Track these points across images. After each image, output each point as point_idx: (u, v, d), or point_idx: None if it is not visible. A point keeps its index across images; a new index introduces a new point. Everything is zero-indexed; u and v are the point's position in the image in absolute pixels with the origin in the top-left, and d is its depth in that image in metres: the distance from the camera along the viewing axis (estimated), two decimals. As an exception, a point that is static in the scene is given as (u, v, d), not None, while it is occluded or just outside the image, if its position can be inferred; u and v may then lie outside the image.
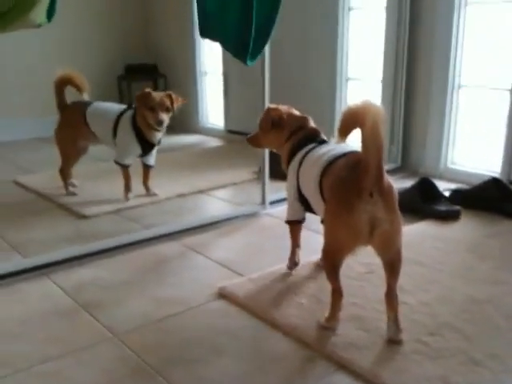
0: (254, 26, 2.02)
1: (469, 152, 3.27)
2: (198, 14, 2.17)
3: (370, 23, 3.64)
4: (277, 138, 2.04)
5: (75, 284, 2.05)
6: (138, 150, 2.93)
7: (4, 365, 1.57)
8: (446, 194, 2.80)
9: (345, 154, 1.71)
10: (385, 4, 3.42)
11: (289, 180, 2.02)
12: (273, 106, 2.07)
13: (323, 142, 1.97)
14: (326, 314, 1.70)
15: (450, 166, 3.30)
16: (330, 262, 1.66)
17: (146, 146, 2.94)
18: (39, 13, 0.95)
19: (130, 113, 2.92)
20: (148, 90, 2.86)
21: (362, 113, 1.47)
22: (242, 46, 2.06)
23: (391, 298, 1.63)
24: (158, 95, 2.84)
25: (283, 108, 2.05)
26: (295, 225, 2.09)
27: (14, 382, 1.50)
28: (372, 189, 1.50)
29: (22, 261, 2.23)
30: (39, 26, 1.01)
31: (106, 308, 1.87)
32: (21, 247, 2.38)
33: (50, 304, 1.91)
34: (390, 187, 1.55)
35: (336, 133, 1.57)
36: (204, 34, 2.19)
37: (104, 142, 3.04)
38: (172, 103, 2.85)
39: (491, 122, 3.20)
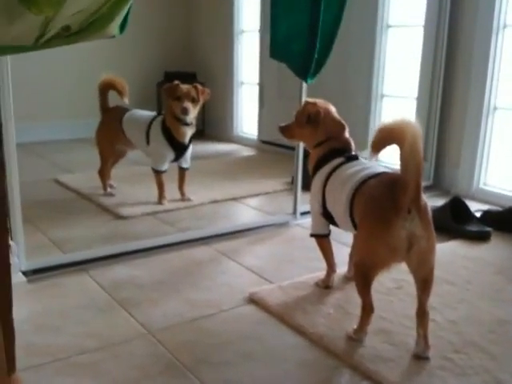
0: (316, 51, 2.26)
1: (502, 174, 3.27)
2: (271, 39, 2.41)
3: (408, 41, 3.67)
4: (310, 135, 2.02)
5: (112, 281, 2.14)
6: (170, 152, 3.01)
7: (44, 354, 1.65)
8: (478, 214, 2.81)
9: (378, 174, 1.74)
10: (423, 22, 3.46)
11: (313, 194, 2.02)
12: (311, 100, 2.06)
13: (352, 157, 1.96)
14: (355, 326, 1.74)
15: (482, 186, 3.30)
16: (364, 278, 1.67)
17: (178, 148, 3.02)
18: (116, 25, 1.03)
19: (160, 118, 3.02)
20: (176, 82, 2.95)
21: (400, 130, 1.50)
22: (304, 67, 2.30)
23: (422, 315, 1.65)
24: (184, 87, 2.93)
25: (321, 104, 2.02)
26: (321, 239, 2.09)
27: (53, 370, 1.58)
28: (410, 206, 1.54)
29: (62, 256, 2.33)
30: (113, 37, 1.09)
31: (141, 306, 1.95)
32: (61, 243, 2.48)
33: (88, 299, 1.99)
34: (426, 205, 1.59)
35: (370, 147, 1.61)
36: (273, 56, 2.44)
37: (139, 148, 3.15)
38: (198, 94, 2.94)
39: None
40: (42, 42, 0.95)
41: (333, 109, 2.04)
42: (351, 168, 1.88)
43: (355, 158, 1.96)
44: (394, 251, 1.57)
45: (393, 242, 1.55)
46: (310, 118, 2.00)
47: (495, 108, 3.25)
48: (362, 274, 1.68)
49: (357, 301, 1.96)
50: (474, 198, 3.25)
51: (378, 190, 1.66)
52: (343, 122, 2.03)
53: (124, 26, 1.23)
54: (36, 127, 4.55)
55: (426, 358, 1.63)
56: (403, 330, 1.79)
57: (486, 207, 2.98)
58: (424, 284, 1.64)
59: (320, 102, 2.04)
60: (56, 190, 3.37)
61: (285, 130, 2.13)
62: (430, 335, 1.67)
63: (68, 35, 0.96)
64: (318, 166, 1.99)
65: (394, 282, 2.11)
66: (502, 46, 3.16)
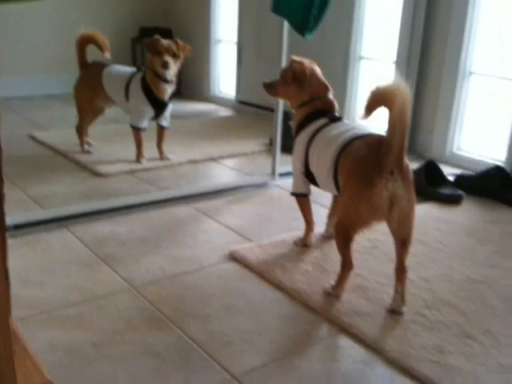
0: (314, 7, 2.32)
1: (475, 139, 3.35)
2: None
3: (388, 2, 3.67)
4: (295, 94, 2.03)
5: (94, 237, 2.15)
6: (149, 109, 2.98)
7: (30, 307, 1.68)
8: (451, 178, 2.90)
9: (362, 136, 1.78)
10: (403, -15, 3.46)
11: (296, 153, 2.05)
12: (297, 58, 2.06)
13: (336, 118, 2.00)
14: (333, 283, 1.81)
15: (455, 151, 3.38)
16: (345, 235, 1.74)
17: (157, 105, 2.99)
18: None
19: (140, 74, 2.99)
20: (157, 36, 2.93)
21: (391, 93, 1.54)
22: (303, 23, 2.36)
23: (401, 272, 1.73)
24: (165, 41, 2.91)
25: (307, 63, 2.03)
26: (301, 198, 2.14)
27: (38, 323, 1.61)
28: (393, 167, 1.59)
29: (42, 212, 2.33)
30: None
31: (123, 261, 1.98)
32: (40, 200, 2.47)
33: (71, 254, 2.02)
34: (408, 166, 1.65)
35: (363, 109, 1.64)
36: (275, 11, 2.47)
37: (118, 105, 3.11)
38: (179, 49, 2.92)
39: (499, 111, 3.27)
40: None
41: (318, 69, 2.06)
42: (335, 129, 1.91)
43: (339, 119, 1.99)
44: (376, 210, 1.62)
45: (375, 200, 1.61)
46: (296, 77, 2.00)
47: (470, 73, 3.30)
48: (344, 232, 1.74)
49: (334, 259, 2.04)
50: (447, 163, 3.33)
51: (363, 151, 1.70)
52: (327, 83, 2.05)
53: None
54: (10, 82, 4.44)
55: (401, 313, 1.71)
56: (378, 286, 1.87)
57: (459, 171, 3.07)
58: (403, 243, 1.71)
59: (306, 61, 2.05)
60: (31, 146, 3.33)
61: (269, 87, 2.14)
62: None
63: None
64: (302, 125, 2.02)
65: (370, 241, 2.18)
66: (478, 10, 3.18)
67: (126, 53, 5.02)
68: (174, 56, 2.90)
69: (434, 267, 2.03)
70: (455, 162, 3.32)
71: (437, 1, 3.34)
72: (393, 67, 3.61)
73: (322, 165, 1.90)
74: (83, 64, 3.11)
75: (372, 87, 1.63)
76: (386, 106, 1.58)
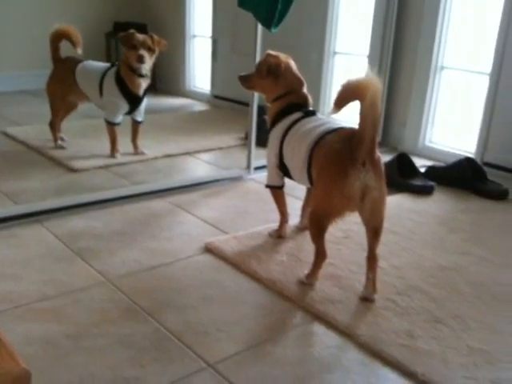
0: (279, 1, 2.34)
1: (446, 132, 3.42)
2: None
3: (361, -1, 3.72)
4: (270, 88, 2.05)
5: (68, 232, 2.15)
6: (124, 104, 2.98)
7: (4, 301, 1.67)
8: (422, 170, 2.96)
9: (336, 129, 1.81)
10: (376, -20, 3.51)
11: (270, 146, 2.07)
12: (273, 52, 2.08)
13: (310, 112, 2.02)
14: (307, 272, 1.84)
15: (427, 144, 3.45)
16: (318, 225, 1.77)
17: (132, 100, 2.99)
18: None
19: (114, 69, 2.98)
20: (132, 30, 2.92)
21: (363, 86, 1.56)
22: (269, 17, 2.40)
23: (373, 260, 1.77)
24: (140, 36, 2.91)
25: (283, 57, 2.05)
26: (276, 190, 2.16)
27: (13, 316, 1.61)
28: (365, 159, 1.62)
29: (16, 207, 2.31)
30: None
31: (98, 255, 1.98)
32: (13, 195, 2.46)
33: (45, 249, 2.01)
34: (379, 158, 1.68)
35: (332, 104, 1.67)
36: (241, 5, 2.50)
37: (92, 101, 3.10)
38: (154, 44, 2.92)
39: (470, 104, 3.35)
40: None
41: (293, 64, 2.08)
42: (309, 123, 1.94)
43: (313, 113, 2.02)
44: (348, 200, 1.66)
45: (347, 191, 1.64)
46: (271, 70, 2.02)
47: (442, 67, 3.36)
48: (317, 222, 1.77)
49: (308, 249, 2.07)
50: (419, 155, 3.39)
51: (336, 143, 1.73)
52: (302, 77, 2.07)
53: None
54: (-19, 78, 4.38)
55: (372, 300, 1.75)
56: (351, 275, 1.91)
57: (430, 163, 3.13)
58: (375, 232, 1.75)
59: (281, 55, 2.07)
60: (4, 142, 3.30)
61: (244, 80, 2.15)
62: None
63: None
64: (277, 119, 2.04)
65: (343, 232, 2.21)
66: (450, 6, 3.25)
67: (99, 48, 4.99)
68: (149, 50, 2.90)
69: (405, 255, 2.08)
70: (427, 154, 3.39)
71: (408, -4, 3.39)
72: (366, 61, 3.66)
73: (296, 158, 1.93)
74: (56, 59, 3.08)
75: (342, 81, 1.65)
76: (357, 98, 1.60)
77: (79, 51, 3.03)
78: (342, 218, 1.74)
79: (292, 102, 2.03)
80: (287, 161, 2.01)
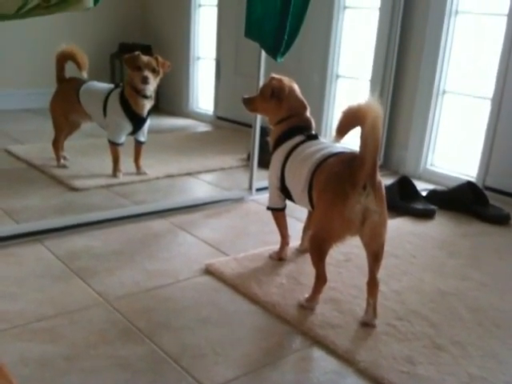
0: (286, 32, 2.39)
1: (448, 156, 3.42)
2: (246, 19, 2.50)
3: (364, 23, 3.75)
4: (273, 111, 2.06)
5: (68, 251, 2.15)
6: (127, 124, 2.99)
7: (1, 320, 1.66)
8: (424, 193, 2.95)
9: (337, 153, 1.81)
10: (379, 5, 3.55)
11: (272, 169, 2.07)
12: (277, 76, 2.09)
13: (312, 136, 2.03)
14: (307, 295, 1.83)
15: (429, 167, 3.45)
16: (319, 249, 1.76)
17: (136, 120, 3.00)
18: (91, -3, 1.05)
19: (118, 90, 3.00)
20: (137, 52, 2.95)
21: (363, 111, 1.57)
22: (275, 46, 2.43)
23: (373, 285, 1.76)
24: (145, 57, 2.94)
25: (286, 81, 2.07)
26: (277, 212, 2.16)
27: (10, 336, 1.60)
28: (365, 182, 1.62)
29: (16, 226, 2.31)
30: (88, 9, 1.10)
31: (97, 275, 1.97)
32: (14, 214, 2.46)
33: (44, 268, 2.00)
34: (380, 182, 1.68)
35: (334, 131, 1.66)
36: (248, 35, 2.53)
37: (95, 121, 3.13)
38: (158, 65, 2.94)
39: (471, 128, 3.36)
40: (24, 11, 0.96)
41: (297, 88, 2.10)
42: (311, 147, 1.94)
43: (315, 137, 2.03)
44: (349, 224, 1.65)
45: (348, 214, 1.63)
46: (274, 93, 2.04)
47: (444, 92, 3.38)
48: (318, 246, 1.76)
49: (308, 272, 2.06)
50: (420, 178, 3.39)
51: (336, 166, 1.73)
52: (305, 101, 2.08)
53: (98, -1, 1.25)
54: (-15, 96, 4.42)
55: (373, 326, 1.74)
56: (351, 298, 1.89)
57: (431, 187, 3.13)
58: (375, 256, 1.74)
59: (285, 79, 2.09)
60: (7, 160, 3.30)
61: (248, 102, 2.16)
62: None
63: (47, 6, 0.98)
64: (280, 142, 2.04)
65: (343, 254, 2.20)
66: (453, 31, 3.28)
67: (104, 68, 5.03)
68: (154, 72, 2.93)
69: (405, 280, 2.07)
70: (429, 177, 3.39)
71: (411, 21, 3.43)
72: (368, 85, 3.68)
73: (297, 181, 1.93)
74: (61, 79, 3.12)
75: (343, 107, 1.65)
76: (358, 123, 1.60)
77: (84, 74, 3.07)
78: (343, 241, 1.73)
79: (295, 125, 2.04)
80: (289, 183, 2.01)
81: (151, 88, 2.95)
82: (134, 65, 2.90)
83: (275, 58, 2.50)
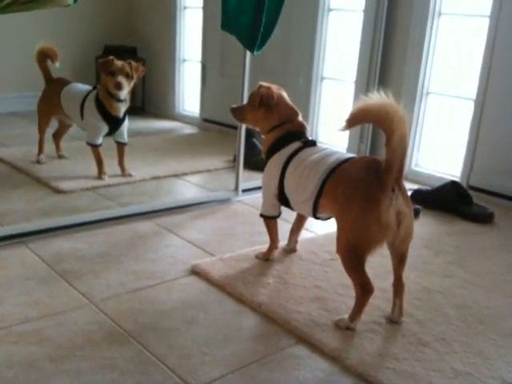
0: (262, 25, 2.35)
1: (432, 156, 3.46)
2: (222, 11, 2.47)
3: (349, 25, 3.78)
4: (263, 119, 2.04)
5: (53, 254, 2.13)
6: (104, 125, 2.99)
7: (-15, 323, 1.65)
8: (409, 193, 2.96)
9: (349, 159, 1.80)
10: (363, 7, 3.57)
11: (269, 176, 2.03)
12: (265, 84, 2.08)
13: (310, 142, 1.99)
14: (346, 316, 1.73)
15: (413, 168, 3.48)
16: (357, 258, 1.68)
17: (112, 121, 3.01)
18: (70, -7, 1.05)
19: (94, 92, 3.01)
20: (111, 57, 2.95)
21: (385, 113, 1.56)
22: (251, 40, 2.40)
23: (400, 287, 1.77)
24: (119, 62, 2.93)
25: (275, 89, 2.05)
26: (270, 220, 2.14)
27: (-5, 340, 1.59)
28: (393, 185, 1.62)
29: (0, 229, 2.29)
30: (67, 6, 1.10)
31: (82, 277, 1.97)
32: (-2, 216, 2.44)
33: (28, 271, 1.99)
34: (404, 184, 1.68)
35: (345, 121, 1.63)
36: (223, 28, 2.51)
37: (75, 122, 3.15)
38: (132, 70, 2.94)
39: (455, 129, 3.39)
40: (1, 6, 0.96)
41: (285, 95, 2.08)
42: (314, 154, 1.91)
43: (313, 143, 2.00)
44: (386, 229, 1.62)
45: (385, 219, 1.61)
46: (263, 101, 2.01)
47: (428, 93, 3.42)
48: (355, 255, 1.68)
49: (295, 271, 2.08)
50: (405, 178, 3.38)
51: (360, 173, 1.70)
52: (295, 107, 2.07)
53: (78, -5, 1.25)
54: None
55: (400, 323, 1.76)
56: (337, 297, 1.90)
57: (416, 187, 3.15)
58: (402, 257, 1.74)
59: (274, 86, 2.07)
60: (-9, 163, 3.28)
61: (237, 112, 2.14)
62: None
63: (25, 1, 0.97)
64: (274, 149, 2.01)
65: (329, 254, 2.21)
66: (436, 32, 3.31)
67: (90, 71, 5.00)
68: (128, 76, 2.93)
69: (391, 278, 2.06)
70: (413, 177, 3.41)
71: (395, 22, 3.46)
72: (353, 87, 3.71)
73: (301, 189, 1.89)
74: (48, 79, 3.16)
75: (360, 101, 1.61)
76: (380, 126, 1.59)
77: (57, 64, 3.09)
78: (381, 248, 1.67)
79: (289, 131, 2.01)
80: (289, 192, 1.97)
81: (125, 92, 2.95)
82: (108, 70, 2.90)
83: (252, 52, 2.50)
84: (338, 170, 1.78)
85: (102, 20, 5.16)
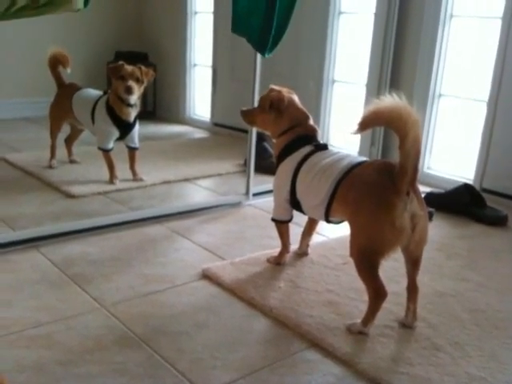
0: (273, 27, 2.36)
1: (445, 159, 3.42)
2: (233, 14, 2.49)
3: (359, 28, 3.77)
4: (273, 123, 2.03)
5: (64, 258, 2.14)
6: (114, 130, 3.00)
7: (-3, 327, 1.65)
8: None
9: (361, 163, 1.78)
10: (374, 10, 3.56)
11: (280, 180, 2.02)
12: (276, 87, 2.06)
13: (322, 146, 1.97)
14: (358, 320, 1.72)
15: (426, 170, 3.45)
16: (370, 263, 1.66)
17: (122, 126, 3.02)
18: (81, -1, 1.05)
19: (105, 97, 3.03)
20: (121, 62, 2.97)
21: (398, 116, 1.54)
22: (262, 42, 2.42)
23: (414, 291, 1.75)
24: (129, 67, 2.94)
25: (285, 92, 2.03)
26: (282, 224, 2.12)
27: (6, 343, 1.59)
28: (407, 188, 1.60)
29: (12, 233, 2.30)
30: (78, 10, 1.11)
31: (94, 281, 1.97)
32: (10, 221, 2.45)
33: (40, 275, 1.99)
34: (418, 187, 1.66)
35: (357, 124, 1.62)
36: (234, 30, 2.52)
37: (86, 127, 3.17)
38: (142, 75, 2.95)
39: (468, 131, 3.36)
40: (12, 11, 0.96)
41: (296, 98, 2.06)
42: (326, 158, 1.89)
43: (325, 146, 1.98)
44: (401, 232, 1.60)
45: (399, 223, 1.59)
46: (273, 104, 2.00)
47: (440, 95, 3.39)
48: (369, 260, 1.66)
49: (306, 275, 2.06)
50: (418, 181, 3.37)
51: (373, 176, 1.68)
52: (306, 111, 2.05)
53: (88, 0, 1.25)
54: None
55: (414, 327, 1.74)
56: (349, 301, 1.89)
57: (429, 190, 3.13)
58: (416, 261, 1.72)
59: (284, 90, 2.06)
60: (3, 168, 3.30)
61: (246, 115, 2.13)
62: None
63: (36, 7, 0.97)
64: (286, 153, 1.99)
65: (341, 257, 2.19)
66: (448, 35, 3.29)
67: (101, 76, 5.03)
68: (138, 81, 2.94)
69: (403, 282, 2.03)
70: (426, 180, 3.38)
71: (406, 25, 3.44)
72: (364, 90, 3.69)
73: (314, 194, 1.87)
74: (60, 84, 3.19)
75: (372, 103, 1.60)
76: (394, 129, 1.57)
77: (68, 70, 3.11)
78: (395, 252, 1.65)
79: (300, 135, 1.99)
80: (301, 196, 1.95)
81: (135, 97, 2.96)
82: (118, 74, 2.91)
83: (263, 54, 2.50)
84: (351, 174, 1.76)
85: (113, 26, 5.19)
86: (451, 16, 3.27)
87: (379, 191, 1.64)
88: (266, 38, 2.39)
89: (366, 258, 1.67)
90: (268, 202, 2.47)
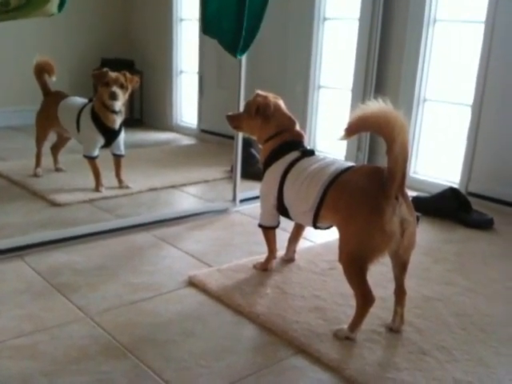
0: (244, 29, 2.37)
1: (430, 163, 3.44)
2: (202, 17, 2.50)
3: (344, 33, 3.78)
4: (260, 129, 2.02)
5: (49, 267, 2.11)
6: (100, 137, 2.99)
7: (-21, 338, 1.63)
8: (407, 200, 2.95)
9: (348, 168, 1.78)
10: (358, 16, 3.58)
11: (267, 186, 2.01)
12: (262, 92, 2.06)
13: (308, 152, 1.97)
14: (345, 326, 1.70)
15: (412, 175, 3.46)
16: (359, 268, 1.65)
17: (107, 133, 3.01)
18: (55, 4, 1.04)
19: (90, 104, 3.02)
20: (105, 68, 2.96)
21: (386, 121, 1.55)
22: (233, 44, 2.43)
23: (402, 295, 1.75)
24: (113, 73, 2.94)
25: (272, 98, 2.03)
26: (269, 230, 2.11)
27: (-11, 355, 1.56)
28: (396, 193, 1.60)
29: (-4, 243, 2.28)
30: (51, 15, 1.10)
31: (79, 290, 1.95)
32: (-5, 230, 2.43)
33: (24, 284, 1.97)
34: (406, 191, 1.66)
35: (344, 130, 1.62)
36: (205, 32, 2.52)
37: (71, 135, 3.16)
38: (126, 81, 2.95)
39: (453, 135, 3.38)
40: None
41: (282, 104, 2.06)
42: (313, 164, 1.89)
43: (311, 152, 1.98)
44: (391, 237, 1.60)
45: (389, 227, 1.59)
46: (260, 110, 2.00)
47: (425, 99, 3.41)
48: (358, 265, 1.66)
49: (293, 281, 2.06)
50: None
51: (361, 181, 1.68)
52: (293, 116, 2.05)
53: (63, 5, 1.24)
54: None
55: (400, 331, 1.74)
56: (336, 307, 1.88)
57: (415, 194, 3.14)
58: (404, 266, 1.72)
59: (270, 95, 2.05)
60: (-12, 177, 3.27)
61: (233, 120, 2.12)
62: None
63: (7, 10, 0.96)
64: (272, 158, 1.99)
65: (328, 263, 2.19)
66: (432, 39, 3.32)
67: (87, 84, 5.00)
68: (122, 87, 2.93)
69: (390, 286, 2.04)
70: (412, 184, 3.38)
71: (391, 30, 3.47)
72: (350, 95, 3.71)
73: (301, 200, 1.87)
74: (46, 93, 3.18)
75: (359, 108, 1.61)
76: (378, 131, 1.58)
77: (53, 78, 3.11)
78: (383, 257, 1.66)
79: (287, 141, 1.99)
80: (288, 202, 1.95)
81: (119, 103, 2.95)
82: (103, 81, 2.91)
83: (235, 55, 2.51)
84: (340, 180, 1.76)
85: (99, 33, 5.17)
86: (435, 20, 3.30)
87: (369, 197, 1.64)
88: (237, 40, 2.40)
89: (356, 263, 1.67)
90: (255, 208, 2.46)
